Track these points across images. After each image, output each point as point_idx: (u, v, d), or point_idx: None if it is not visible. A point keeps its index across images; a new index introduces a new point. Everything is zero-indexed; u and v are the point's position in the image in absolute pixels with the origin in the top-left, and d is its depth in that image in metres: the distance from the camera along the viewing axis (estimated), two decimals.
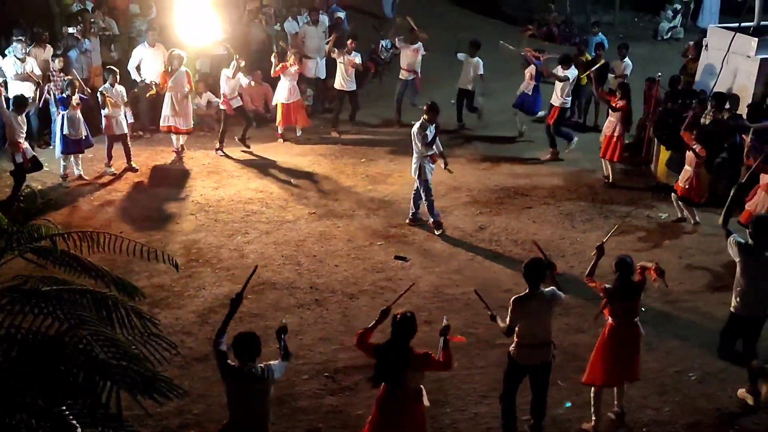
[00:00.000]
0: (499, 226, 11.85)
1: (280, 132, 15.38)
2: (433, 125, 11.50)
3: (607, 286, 7.49)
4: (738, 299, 7.85)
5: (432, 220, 11.66)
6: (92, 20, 15.72)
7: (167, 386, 4.94)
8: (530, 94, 15.55)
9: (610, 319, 7.54)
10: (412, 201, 11.90)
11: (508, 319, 7.13)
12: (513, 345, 7.26)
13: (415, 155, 11.55)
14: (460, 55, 15.89)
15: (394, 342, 6.55)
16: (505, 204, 12.61)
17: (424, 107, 11.65)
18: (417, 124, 11.47)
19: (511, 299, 7.16)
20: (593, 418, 7.62)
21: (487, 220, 12.04)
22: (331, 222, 12.00)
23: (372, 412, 6.75)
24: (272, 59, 15.08)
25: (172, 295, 9.99)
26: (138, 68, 15.02)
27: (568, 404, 7.90)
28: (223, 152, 14.54)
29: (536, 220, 12.13)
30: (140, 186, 13.30)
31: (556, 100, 14.47)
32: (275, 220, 12.04)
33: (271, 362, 6.34)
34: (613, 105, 13.22)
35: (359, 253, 11.07)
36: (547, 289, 7.20)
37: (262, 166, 14.16)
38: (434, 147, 11.62)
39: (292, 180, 13.53)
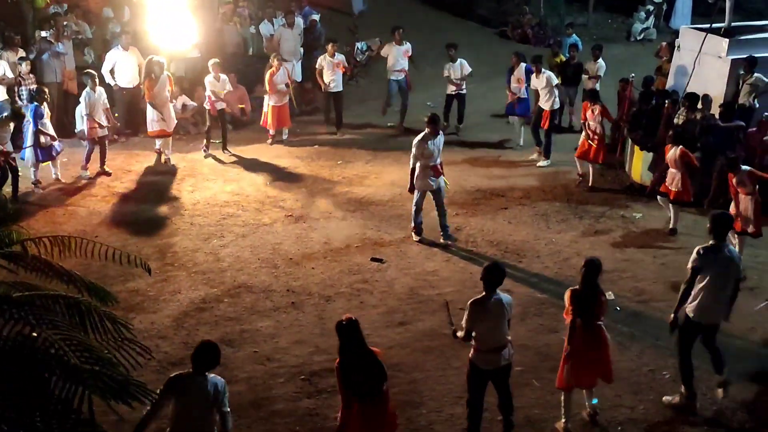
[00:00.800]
0: (475, 227, 11.90)
1: (272, 134, 15.45)
2: (437, 137, 11.16)
3: (573, 288, 7.52)
4: (693, 303, 7.85)
5: (413, 224, 11.55)
6: (65, 24, 15.63)
7: (141, 391, 4.92)
8: (522, 97, 15.50)
9: (572, 320, 7.48)
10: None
11: (464, 322, 7.13)
12: (472, 351, 7.28)
13: (418, 167, 11.21)
14: (446, 68, 15.81)
15: (354, 351, 6.58)
16: (481, 205, 12.66)
17: (425, 120, 11.31)
18: (419, 136, 11.21)
19: (468, 302, 7.18)
20: (563, 419, 7.66)
21: (463, 221, 12.08)
22: (307, 224, 12.00)
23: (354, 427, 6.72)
24: (271, 60, 15.23)
25: (148, 299, 9.95)
26: (112, 72, 14.95)
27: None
28: (209, 153, 14.56)
29: (512, 220, 12.19)
30: (115, 190, 13.23)
31: (545, 104, 14.51)
32: (251, 223, 12.03)
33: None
34: (593, 122, 13.25)
35: (336, 256, 11.08)
36: (504, 295, 7.23)
37: (239, 169, 14.15)
38: (436, 159, 11.25)
39: (268, 183, 13.52)
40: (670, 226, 11.83)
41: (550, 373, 8.49)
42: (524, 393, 8.05)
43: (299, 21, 17.42)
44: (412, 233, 11.52)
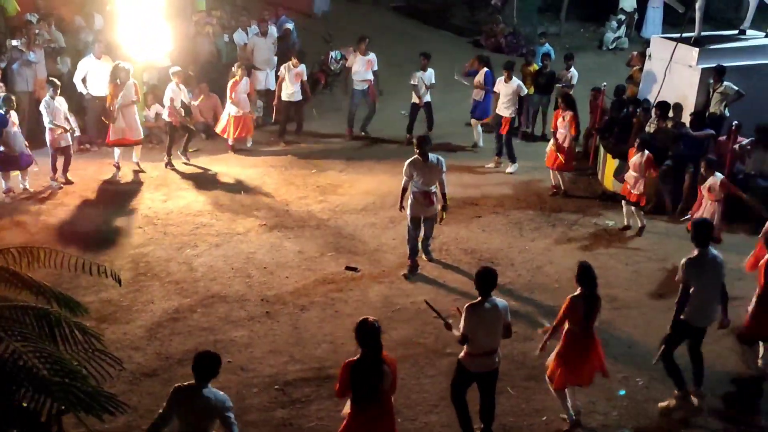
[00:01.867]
0: (448, 235, 11.91)
1: (230, 144, 15.34)
2: (427, 162, 10.41)
3: (572, 296, 7.60)
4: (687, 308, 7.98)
5: (409, 256, 10.92)
6: (37, 32, 15.49)
7: (111, 403, 4.87)
8: (482, 101, 15.67)
9: (568, 325, 7.62)
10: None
11: (462, 327, 7.18)
12: (464, 352, 7.32)
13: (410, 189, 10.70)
14: (415, 76, 15.79)
15: (367, 355, 6.41)
16: (454, 213, 12.65)
17: (414, 141, 10.73)
18: (410, 159, 10.51)
19: (465, 306, 7.23)
20: (566, 417, 7.81)
21: (437, 229, 12.02)
22: (281, 233, 11.96)
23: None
24: (234, 69, 15.16)
25: (120, 309, 9.86)
26: (84, 81, 14.84)
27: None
28: (172, 165, 14.42)
29: (485, 229, 12.23)
30: (87, 200, 13.10)
31: (504, 111, 14.57)
32: (225, 232, 11.96)
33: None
34: (563, 127, 13.33)
35: (310, 264, 11.05)
36: (500, 300, 7.30)
37: (212, 179, 14.07)
38: (422, 185, 10.51)
39: (242, 192, 13.46)
40: (638, 225, 12.02)
41: (524, 381, 8.54)
42: (499, 401, 8.03)
43: (273, 30, 17.38)
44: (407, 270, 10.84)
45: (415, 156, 10.44)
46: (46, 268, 6.33)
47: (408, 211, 10.73)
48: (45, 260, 6.17)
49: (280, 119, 16.07)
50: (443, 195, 10.67)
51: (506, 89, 14.52)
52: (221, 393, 6.24)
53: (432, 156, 10.48)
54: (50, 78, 13.86)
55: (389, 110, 17.51)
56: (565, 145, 13.28)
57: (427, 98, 15.83)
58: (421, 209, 10.64)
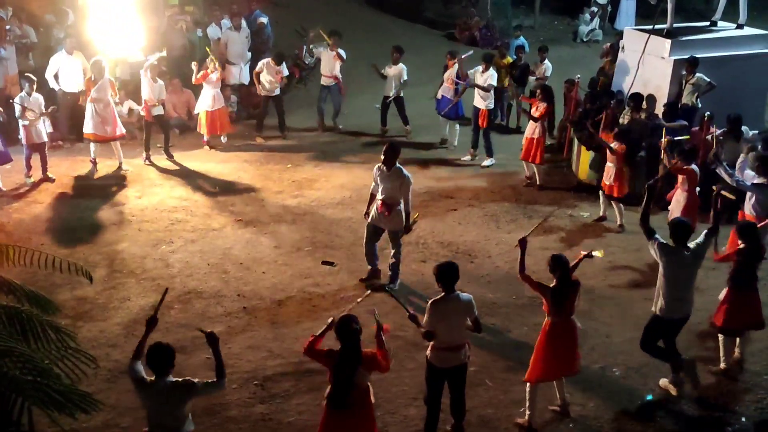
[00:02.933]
0: (425, 228, 11.92)
1: (206, 140, 15.24)
2: (390, 171, 9.80)
3: (547, 285, 7.60)
4: (660, 301, 8.04)
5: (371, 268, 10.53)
6: (8, 27, 15.31)
7: (85, 401, 4.82)
8: (451, 98, 15.32)
9: (548, 316, 7.65)
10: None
11: (425, 323, 7.17)
12: (429, 349, 7.33)
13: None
14: (386, 70, 15.72)
15: (346, 348, 6.45)
16: (430, 207, 12.69)
17: (383, 149, 9.95)
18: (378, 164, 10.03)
19: (429, 302, 7.22)
20: (527, 412, 7.73)
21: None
22: (257, 229, 11.91)
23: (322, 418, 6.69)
24: (192, 66, 14.94)
25: (96, 307, 9.77)
26: (56, 76, 14.68)
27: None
28: (150, 161, 14.31)
29: (461, 221, 12.25)
30: (61, 197, 12.97)
31: (481, 103, 14.50)
32: (200, 228, 11.89)
33: (202, 381, 6.19)
34: (535, 115, 13.30)
35: (286, 259, 11.02)
36: (463, 294, 7.27)
37: (186, 174, 13.97)
38: (382, 193, 9.96)
39: (217, 187, 13.39)
40: (618, 221, 12.09)
41: (502, 373, 8.58)
42: (477, 393, 8.09)
43: (246, 24, 17.29)
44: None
45: (378, 164, 9.96)
46: (19, 267, 6.25)
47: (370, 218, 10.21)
48: (15, 258, 6.08)
49: (257, 113, 16.00)
50: (406, 214, 9.96)
51: (481, 80, 14.44)
52: (182, 379, 6.20)
53: (397, 167, 9.81)
54: (26, 74, 13.69)
55: (362, 104, 17.47)
56: (534, 136, 13.26)
57: (401, 94, 15.74)
58: (379, 218, 10.07)
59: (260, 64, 15.54)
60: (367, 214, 10.27)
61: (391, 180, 9.82)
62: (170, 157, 14.60)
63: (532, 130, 13.30)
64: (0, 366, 4.66)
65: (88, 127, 13.74)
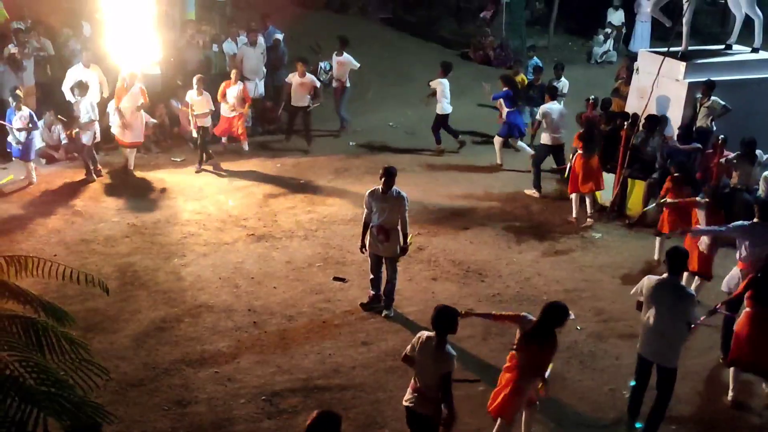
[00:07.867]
0: (437, 246, 11.93)
1: (224, 142, 15.78)
2: (387, 195, 9.64)
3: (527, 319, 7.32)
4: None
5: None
6: (26, 40, 15.47)
7: (97, 412, 4.84)
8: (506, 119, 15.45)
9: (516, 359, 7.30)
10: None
11: (408, 349, 6.96)
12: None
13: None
14: (433, 83, 15.89)
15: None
16: (443, 225, 12.70)
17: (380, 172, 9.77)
18: (370, 189, 9.93)
19: (423, 335, 6.92)
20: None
21: (426, 240, 12.10)
22: (269, 243, 11.93)
23: None
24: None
25: (107, 319, 9.80)
26: (72, 89, 14.79)
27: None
28: (203, 169, 14.79)
29: (473, 240, 12.24)
30: (74, 208, 13.03)
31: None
32: (213, 242, 11.93)
33: None
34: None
35: (298, 275, 11.03)
36: (451, 350, 6.75)
37: (199, 187, 14.03)
38: (378, 219, 9.73)
39: (230, 201, 13.43)
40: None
41: None
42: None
43: (262, 40, 17.40)
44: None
45: (376, 186, 9.80)
46: (33, 277, 6.28)
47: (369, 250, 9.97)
48: (32, 269, 6.12)
49: (288, 123, 16.47)
50: (404, 235, 9.79)
51: None
52: None
53: (394, 190, 9.64)
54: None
55: (378, 122, 17.53)
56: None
57: (444, 110, 15.90)
58: (376, 246, 9.84)
59: (289, 77, 16.07)
60: (363, 246, 10.01)
61: (389, 202, 9.64)
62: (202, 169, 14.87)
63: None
64: (16, 376, 4.68)
65: (116, 131, 14.29)
